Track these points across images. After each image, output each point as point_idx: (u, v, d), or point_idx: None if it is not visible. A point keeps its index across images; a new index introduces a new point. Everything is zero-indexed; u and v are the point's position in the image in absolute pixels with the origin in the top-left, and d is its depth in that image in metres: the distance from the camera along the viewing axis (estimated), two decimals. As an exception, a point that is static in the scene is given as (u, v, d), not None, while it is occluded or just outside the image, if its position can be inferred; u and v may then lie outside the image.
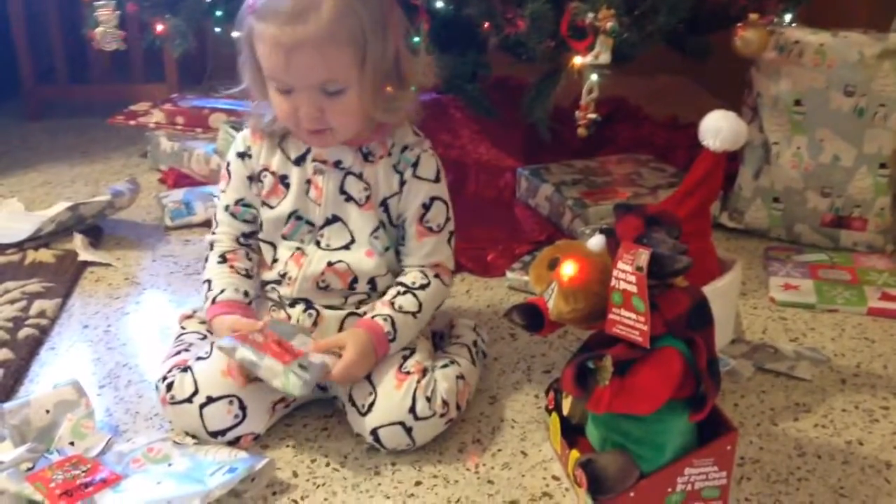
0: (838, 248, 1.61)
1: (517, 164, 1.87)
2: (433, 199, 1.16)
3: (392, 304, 1.12)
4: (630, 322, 0.91)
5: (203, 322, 1.25)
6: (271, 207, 1.17)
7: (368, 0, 1.05)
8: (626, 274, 0.91)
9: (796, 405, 1.19)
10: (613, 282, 0.92)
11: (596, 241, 0.98)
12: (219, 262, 1.18)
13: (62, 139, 2.26)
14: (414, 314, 1.13)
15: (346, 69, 1.04)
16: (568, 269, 0.96)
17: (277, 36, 1.01)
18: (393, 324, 1.10)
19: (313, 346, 1.09)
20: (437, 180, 1.16)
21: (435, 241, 1.17)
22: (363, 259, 1.15)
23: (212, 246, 1.20)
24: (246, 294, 1.16)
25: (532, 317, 1.03)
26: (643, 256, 0.90)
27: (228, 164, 1.20)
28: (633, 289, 0.90)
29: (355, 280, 1.16)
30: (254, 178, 1.18)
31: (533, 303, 1.02)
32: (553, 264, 0.99)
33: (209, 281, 1.17)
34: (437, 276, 1.17)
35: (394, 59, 1.09)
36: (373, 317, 1.11)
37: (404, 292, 1.14)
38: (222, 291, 1.15)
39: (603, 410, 0.93)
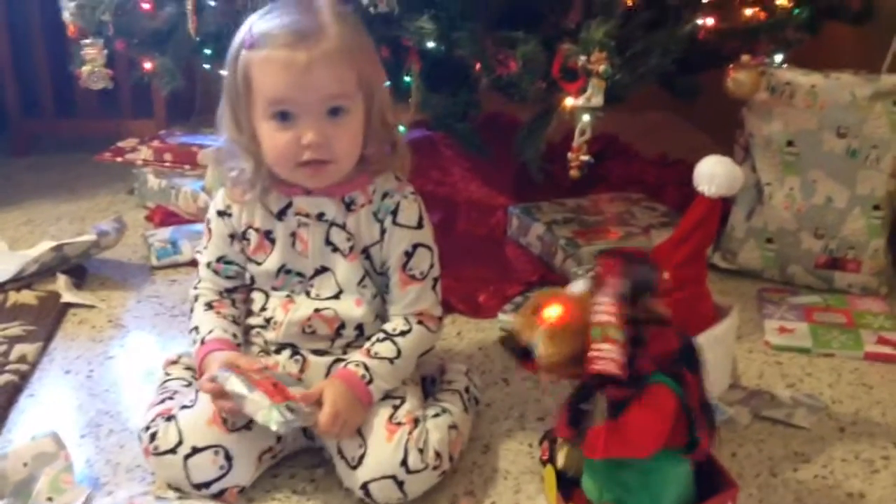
0: (833, 289, 1.60)
1: (508, 202, 1.86)
2: (416, 245, 1.14)
3: (368, 350, 1.10)
4: (607, 354, 0.90)
5: (188, 368, 1.23)
6: (259, 264, 1.15)
7: (362, 34, 1.09)
8: (604, 305, 0.91)
9: (795, 454, 1.17)
10: (593, 317, 0.92)
11: (579, 285, 1.00)
12: (205, 310, 1.16)
13: (48, 175, 2.24)
14: (391, 360, 1.10)
15: (352, 89, 1.05)
16: (551, 311, 0.97)
17: (290, 57, 1.01)
18: (366, 368, 1.08)
19: (300, 396, 1.06)
20: (418, 226, 1.14)
21: (419, 289, 1.14)
22: (352, 307, 1.13)
23: (196, 299, 1.18)
24: (235, 336, 1.14)
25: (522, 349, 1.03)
26: (621, 284, 0.91)
27: (209, 221, 1.18)
28: (611, 318, 0.90)
29: (342, 326, 1.13)
30: (236, 237, 1.16)
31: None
32: (537, 311, 0.99)
33: (196, 327, 1.15)
34: (420, 322, 1.14)
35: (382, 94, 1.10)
36: (346, 365, 1.09)
37: (383, 339, 1.12)
38: (211, 332, 1.13)
39: (600, 456, 0.91)
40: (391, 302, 1.15)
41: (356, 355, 1.10)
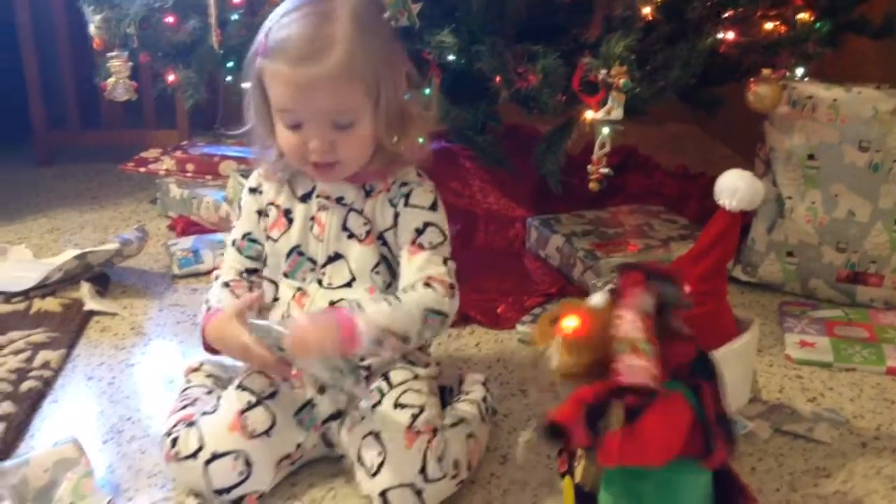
0: (854, 304, 1.59)
1: (527, 214, 1.86)
2: (427, 224, 1.13)
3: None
4: (638, 368, 0.90)
5: (210, 375, 1.24)
6: (274, 241, 1.17)
7: (377, 37, 1.07)
8: (629, 320, 0.90)
9: (816, 469, 1.16)
10: (616, 330, 0.92)
11: (598, 297, 0.99)
12: (221, 288, 1.18)
13: (72, 185, 2.27)
14: (388, 303, 1.06)
15: (358, 103, 1.05)
16: (570, 321, 0.97)
17: (291, 74, 1.03)
18: (358, 305, 1.06)
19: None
20: (431, 208, 1.14)
21: (426, 256, 1.11)
22: (365, 297, 1.14)
23: (216, 279, 1.21)
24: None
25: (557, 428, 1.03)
26: (647, 300, 0.90)
27: (241, 200, 1.22)
28: (639, 334, 0.90)
29: None
30: (262, 213, 1.19)
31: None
32: (556, 321, 0.99)
33: (208, 299, 1.16)
34: (427, 284, 1.09)
35: (400, 95, 1.10)
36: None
37: (381, 300, 1.08)
38: (220, 301, 1.14)
39: (614, 462, 0.91)
40: (401, 276, 1.13)
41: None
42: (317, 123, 1.05)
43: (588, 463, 1.02)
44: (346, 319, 1.00)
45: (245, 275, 1.20)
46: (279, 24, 1.05)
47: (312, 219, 1.15)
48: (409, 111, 1.12)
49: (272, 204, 1.18)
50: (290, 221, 1.16)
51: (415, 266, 1.11)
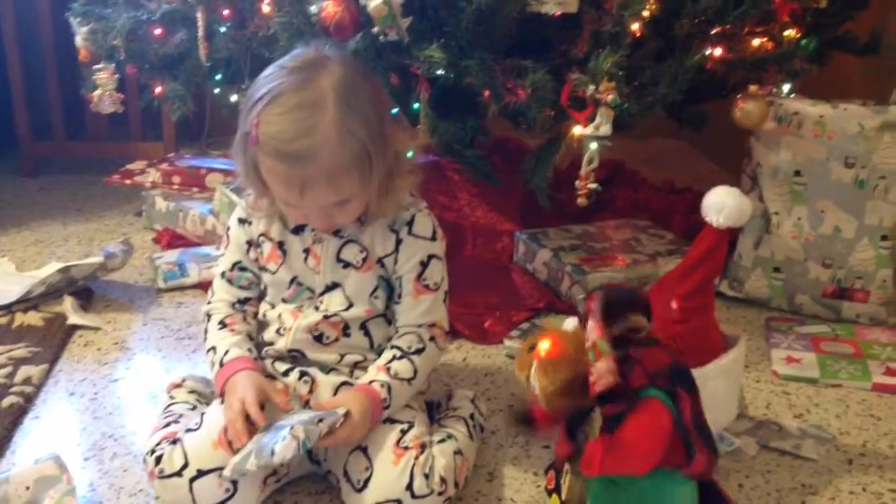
0: (840, 319, 1.59)
1: (515, 228, 1.86)
2: (430, 257, 1.15)
3: (388, 369, 1.11)
4: (602, 369, 0.92)
5: (193, 391, 1.23)
6: (273, 273, 1.17)
7: (364, 113, 1.04)
8: (590, 326, 0.95)
9: (802, 486, 1.16)
10: (587, 344, 0.95)
11: (571, 322, 1.05)
12: (219, 329, 1.17)
13: (57, 197, 2.25)
14: (409, 381, 1.11)
15: (353, 186, 1.05)
16: (544, 344, 1.01)
17: (288, 173, 1.02)
18: (389, 390, 1.09)
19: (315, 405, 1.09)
20: (433, 239, 1.16)
21: (432, 300, 1.16)
22: (360, 315, 1.15)
23: (208, 317, 1.18)
24: (250, 350, 1.15)
25: (528, 415, 1.06)
26: (597, 303, 0.96)
27: (228, 229, 1.20)
28: (596, 334, 0.93)
29: (347, 326, 1.15)
30: (252, 244, 1.18)
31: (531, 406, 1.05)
32: (532, 349, 1.03)
33: (213, 347, 1.15)
34: (432, 338, 1.16)
35: (391, 149, 1.09)
36: (370, 382, 1.10)
37: (400, 357, 1.12)
38: (227, 352, 1.13)
39: (597, 472, 0.92)
40: (402, 311, 1.16)
41: (377, 374, 1.11)
42: (314, 209, 1.07)
43: (574, 479, 1.02)
44: (377, 417, 1.08)
45: (238, 305, 1.19)
46: (269, 116, 1.01)
47: (307, 251, 1.15)
48: (398, 148, 1.11)
49: (264, 236, 1.17)
50: (285, 253, 1.16)
51: (420, 309, 1.15)
